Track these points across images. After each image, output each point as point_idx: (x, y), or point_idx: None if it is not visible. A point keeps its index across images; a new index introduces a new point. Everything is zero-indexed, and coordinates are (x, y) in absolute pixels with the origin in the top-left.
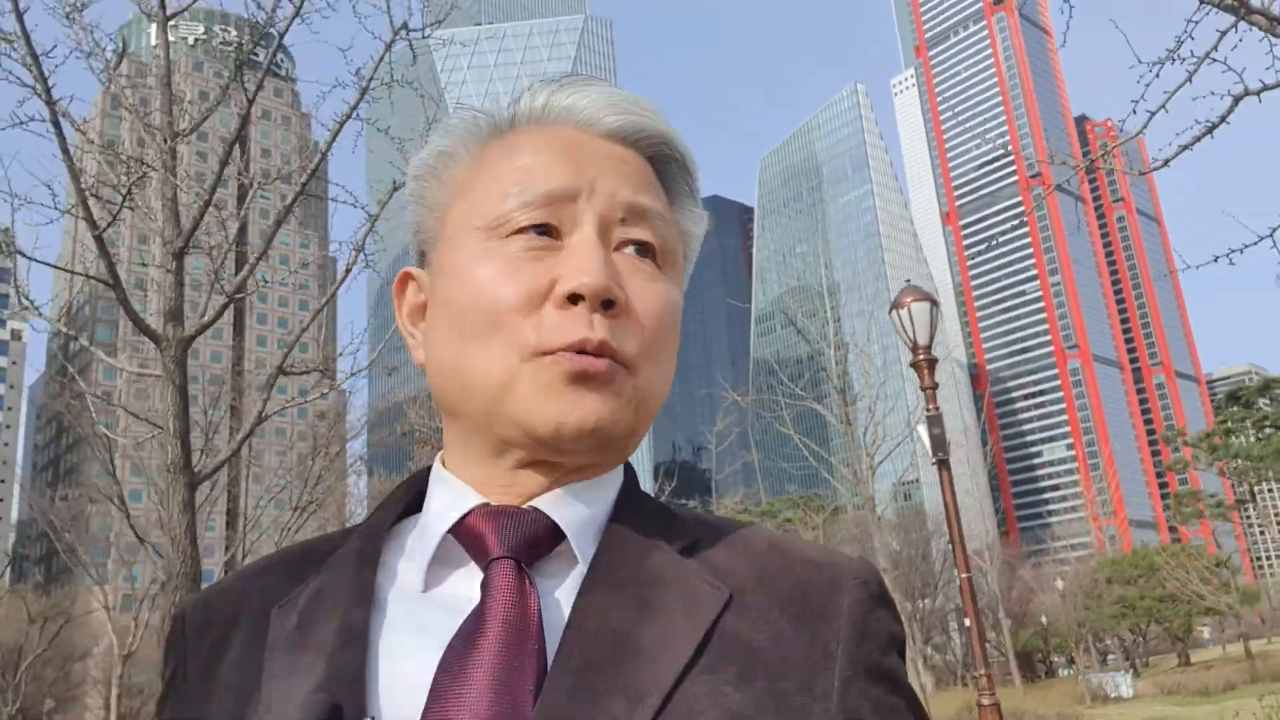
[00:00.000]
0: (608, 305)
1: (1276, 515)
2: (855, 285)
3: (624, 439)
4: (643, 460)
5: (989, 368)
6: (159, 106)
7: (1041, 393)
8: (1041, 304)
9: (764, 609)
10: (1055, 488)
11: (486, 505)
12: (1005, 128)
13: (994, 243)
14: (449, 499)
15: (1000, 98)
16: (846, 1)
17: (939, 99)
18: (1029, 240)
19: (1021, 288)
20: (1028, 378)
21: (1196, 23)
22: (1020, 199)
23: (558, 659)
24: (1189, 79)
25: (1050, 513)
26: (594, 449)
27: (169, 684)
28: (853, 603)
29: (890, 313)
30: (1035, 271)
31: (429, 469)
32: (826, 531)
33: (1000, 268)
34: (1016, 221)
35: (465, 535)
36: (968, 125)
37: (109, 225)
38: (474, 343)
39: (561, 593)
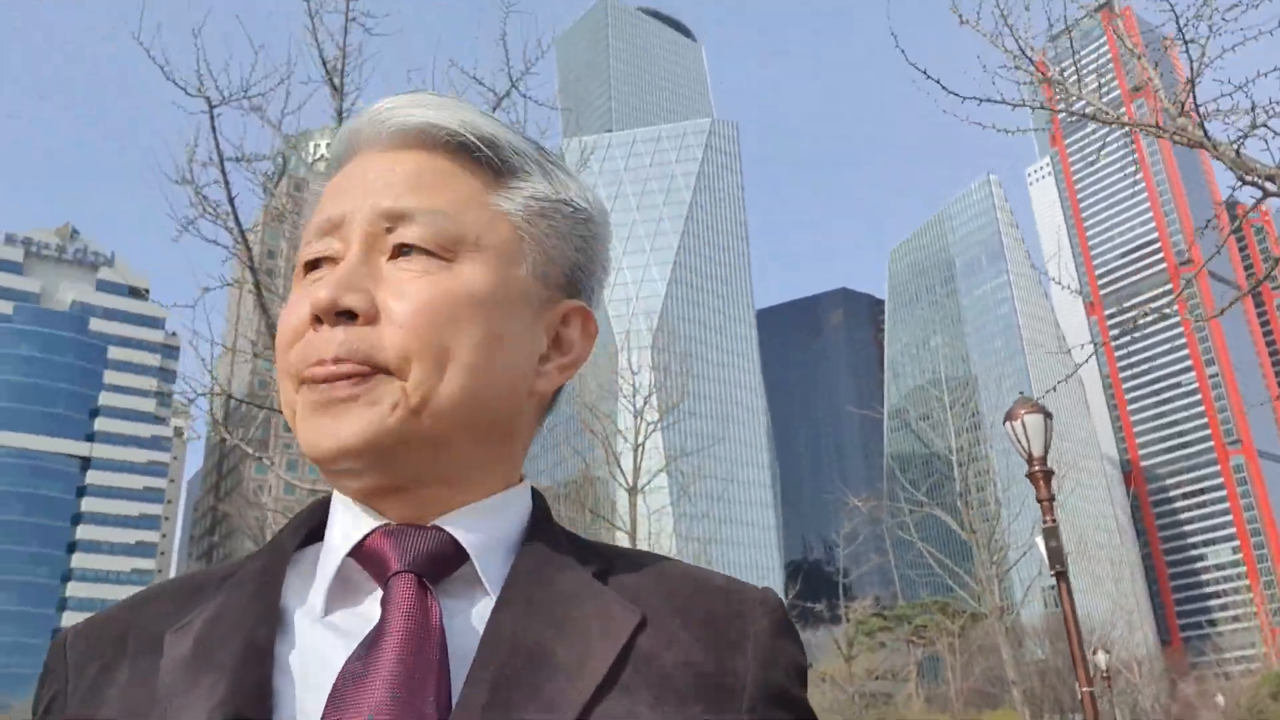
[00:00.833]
0: (351, 316)
1: None
2: (995, 379)
3: (421, 449)
4: (772, 557)
5: (1144, 464)
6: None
7: (1203, 490)
8: (1199, 396)
9: (675, 633)
10: (1221, 593)
11: (387, 525)
12: (1150, 213)
13: (1134, 325)
14: (350, 521)
15: (1144, 182)
16: (975, 91)
17: (1077, 186)
18: (1181, 329)
19: (1177, 379)
20: (1187, 474)
21: None
22: (1169, 285)
23: (473, 671)
24: None
25: (1214, 621)
26: (375, 465)
27: (43, 715)
28: (759, 630)
29: (1005, 424)
30: (1190, 362)
31: (330, 497)
32: (965, 638)
33: (1152, 358)
34: (1164, 306)
35: (365, 556)
36: (1110, 212)
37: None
38: (279, 382)
39: (468, 611)
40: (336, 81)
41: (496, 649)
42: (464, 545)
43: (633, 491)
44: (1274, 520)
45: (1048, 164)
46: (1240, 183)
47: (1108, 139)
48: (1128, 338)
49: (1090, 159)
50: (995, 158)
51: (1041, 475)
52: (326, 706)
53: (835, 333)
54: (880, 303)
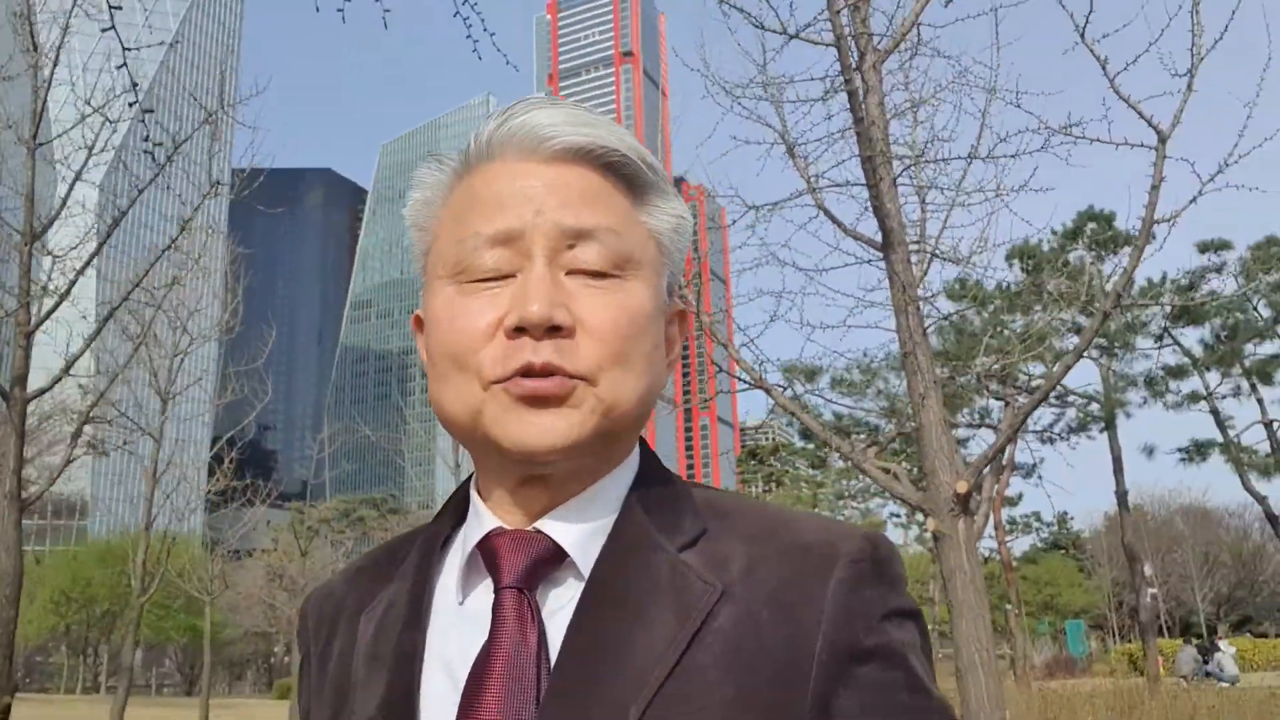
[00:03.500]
0: (555, 330)
1: None
2: None
3: (602, 444)
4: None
5: None
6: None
7: None
8: None
9: (751, 601)
10: None
11: (500, 529)
12: None
13: None
14: (474, 522)
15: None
16: (495, 13)
17: None
18: None
19: None
20: None
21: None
22: None
23: (554, 676)
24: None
25: None
26: (570, 458)
27: (301, 670)
28: (837, 584)
29: None
30: None
31: (467, 484)
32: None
33: None
34: None
35: (486, 555)
36: None
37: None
38: (444, 382)
39: (570, 602)
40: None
41: (574, 649)
42: (563, 546)
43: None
44: None
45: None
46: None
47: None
48: None
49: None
50: (500, 79)
51: None
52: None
53: (312, 212)
54: (364, 192)
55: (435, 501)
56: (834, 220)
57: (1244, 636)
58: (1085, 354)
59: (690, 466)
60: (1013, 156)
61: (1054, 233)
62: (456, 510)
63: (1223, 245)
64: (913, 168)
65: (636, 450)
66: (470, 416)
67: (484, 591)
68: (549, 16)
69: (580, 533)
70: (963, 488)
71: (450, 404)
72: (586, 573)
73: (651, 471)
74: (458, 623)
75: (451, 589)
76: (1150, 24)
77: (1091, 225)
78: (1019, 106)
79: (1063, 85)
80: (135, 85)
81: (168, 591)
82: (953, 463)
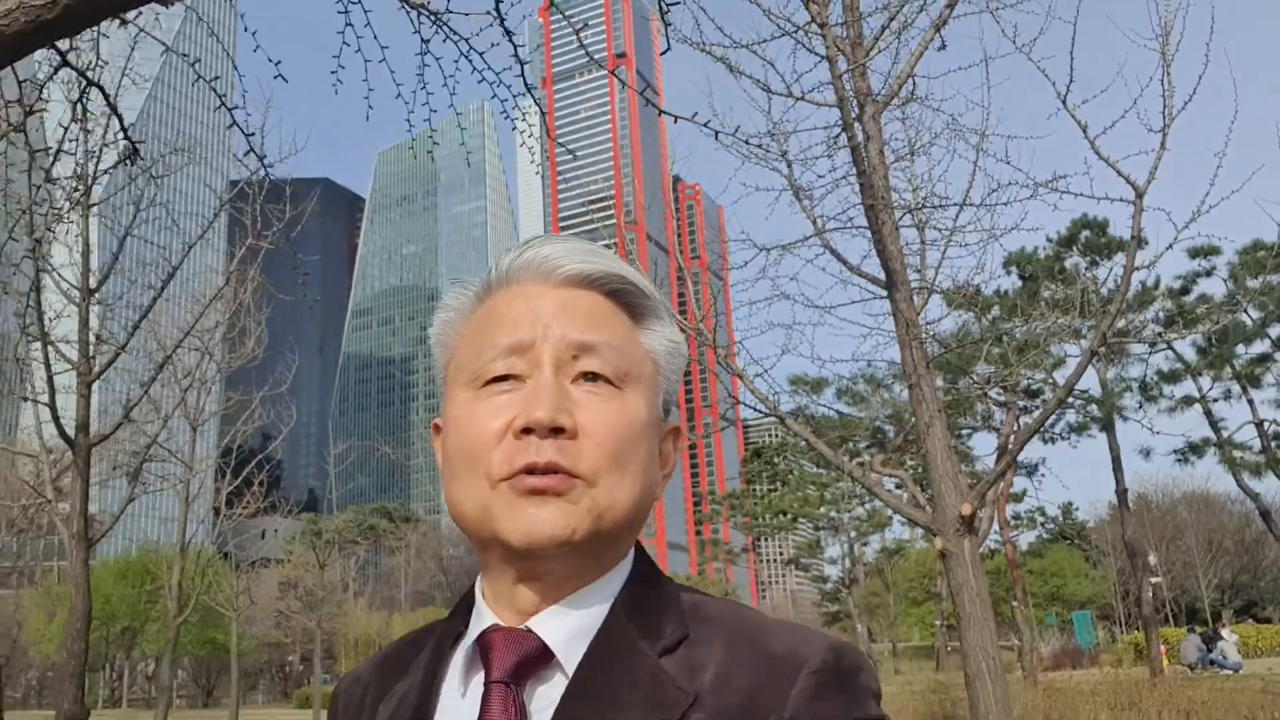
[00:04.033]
0: (559, 432)
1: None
2: None
3: (595, 545)
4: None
5: None
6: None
7: None
8: None
9: (721, 709)
10: None
11: (497, 626)
12: (611, 171)
13: None
14: (475, 618)
15: (610, 143)
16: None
17: (558, 132)
18: None
19: None
20: None
21: None
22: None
23: None
24: None
25: None
26: (566, 556)
27: None
28: (795, 695)
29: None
30: None
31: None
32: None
33: None
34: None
35: (482, 651)
36: (580, 163)
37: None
38: (458, 480)
39: (553, 697)
40: None
41: None
42: (549, 646)
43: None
44: None
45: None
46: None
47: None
48: None
49: (573, 110)
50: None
51: None
52: None
53: (311, 221)
54: (361, 200)
55: (442, 508)
56: (840, 260)
57: (1247, 623)
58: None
59: (694, 468)
60: (1005, 204)
61: (1049, 240)
62: (467, 608)
63: (1212, 250)
64: (911, 212)
65: (631, 553)
66: (479, 513)
67: (481, 685)
68: (540, 20)
69: (567, 632)
70: (967, 510)
71: (462, 502)
72: (568, 668)
73: (643, 575)
74: (457, 715)
75: (456, 682)
76: (1128, 83)
77: (1085, 233)
78: (1008, 163)
79: (1051, 128)
80: (127, 134)
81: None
82: (957, 485)
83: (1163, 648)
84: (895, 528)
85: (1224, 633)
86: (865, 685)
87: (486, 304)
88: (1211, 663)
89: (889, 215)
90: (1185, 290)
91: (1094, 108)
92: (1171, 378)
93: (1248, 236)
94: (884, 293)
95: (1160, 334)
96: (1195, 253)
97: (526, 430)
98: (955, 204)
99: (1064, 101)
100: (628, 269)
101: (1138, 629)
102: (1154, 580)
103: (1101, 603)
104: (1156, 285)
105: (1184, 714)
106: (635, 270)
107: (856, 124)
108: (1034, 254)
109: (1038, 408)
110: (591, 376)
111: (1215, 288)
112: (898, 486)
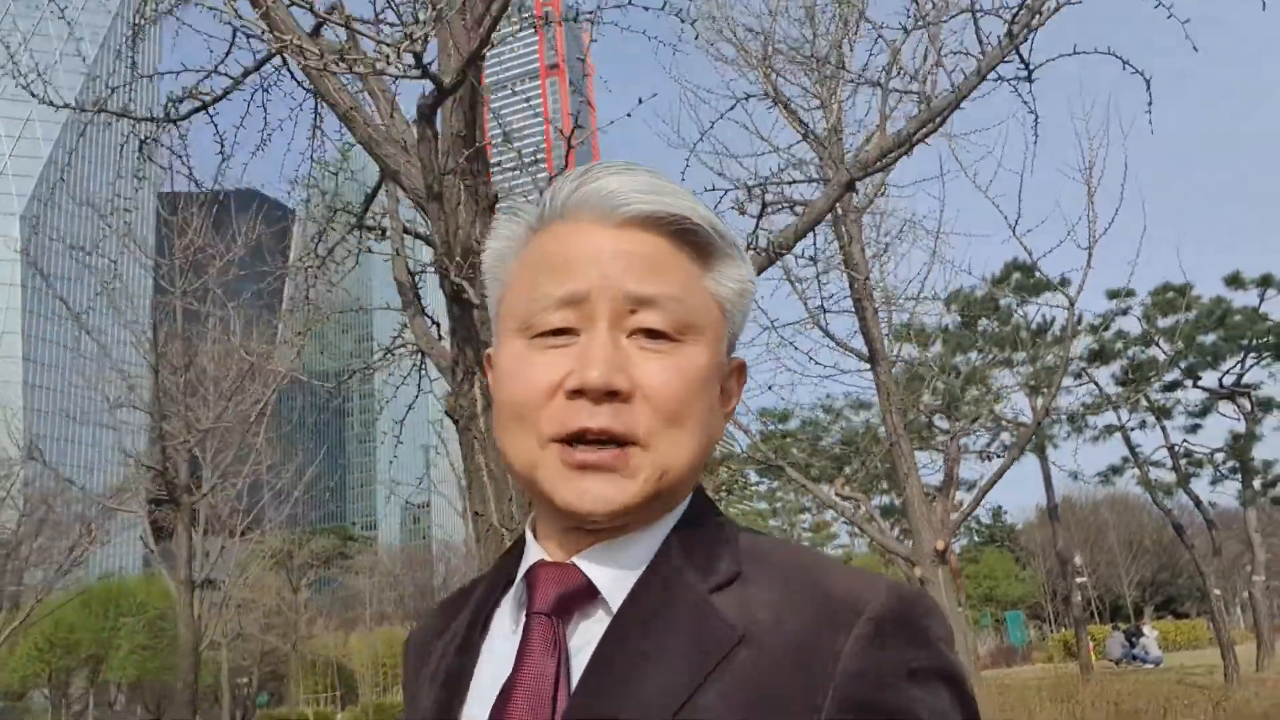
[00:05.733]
0: (614, 394)
1: None
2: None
3: (651, 506)
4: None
5: None
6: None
7: None
8: None
9: (773, 648)
10: None
11: (543, 561)
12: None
13: None
14: (526, 555)
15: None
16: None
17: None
18: None
19: None
20: None
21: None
22: None
23: (570, 704)
24: None
25: None
26: (618, 520)
27: (405, 696)
28: (854, 639)
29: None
30: None
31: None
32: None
33: None
34: None
35: (529, 585)
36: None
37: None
38: (507, 433)
39: (595, 633)
40: None
41: (594, 678)
42: (594, 581)
43: None
44: None
45: None
46: None
47: None
48: None
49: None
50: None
51: None
52: None
53: (244, 234)
54: (291, 212)
55: (377, 521)
56: (831, 337)
57: (1167, 618)
58: (1020, 388)
59: None
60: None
61: (983, 280)
62: (519, 551)
63: (1129, 293)
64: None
65: (690, 494)
66: (528, 469)
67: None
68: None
69: (614, 569)
70: (941, 545)
71: (511, 454)
72: (614, 606)
73: (699, 514)
74: (505, 648)
75: (506, 618)
76: (1064, 212)
77: (1016, 274)
78: (970, 273)
79: (997, 230)
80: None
81: (151, 631)
82: (931, 524)
83: (1090, 644)
84: (842, 537)
85: (1145, 629)
86: (934, 633)
87: (540, 237)
88: (1134, 658)
89: (870, 303)
90: (1105, 324)
91: (1037, 238)
92: (1095, 409)
93: (1158, 279)
94: (867, 366)
95: (1084, 369)
96: (1113, 294)
97: (579, 391)
98: (924, 298)
99: (1013, 231)
100: (697, 206)
101: (1066, 627)
102: (1080, 580)
103: (1031, 602)
104: (1080, 321)
105: (1114, 705)
106: (704, 206)
107: (840, 224)
108: (972, 293)
109: (978, 431)
110: (650, 333)
111: (1131, 325)
112: (856, 507)
